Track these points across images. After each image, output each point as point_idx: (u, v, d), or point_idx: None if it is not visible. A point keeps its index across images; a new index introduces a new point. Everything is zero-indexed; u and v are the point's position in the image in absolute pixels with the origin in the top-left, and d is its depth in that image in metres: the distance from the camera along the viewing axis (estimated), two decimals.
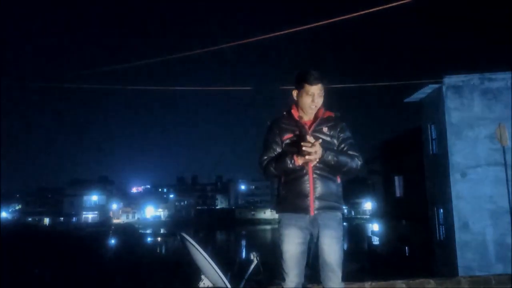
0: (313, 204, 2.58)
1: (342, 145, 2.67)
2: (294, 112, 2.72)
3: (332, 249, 2.61)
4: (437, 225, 14.82)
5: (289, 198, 2.64)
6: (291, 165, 2.55)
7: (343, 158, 2.57)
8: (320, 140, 2.49)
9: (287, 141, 2.67)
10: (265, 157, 2.69)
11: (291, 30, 7.45)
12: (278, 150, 2.69)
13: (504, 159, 10.14)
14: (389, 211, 24.08)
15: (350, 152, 2.65)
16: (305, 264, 2.68)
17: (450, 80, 13.60)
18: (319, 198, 2.59)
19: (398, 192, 22.80)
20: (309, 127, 2.66)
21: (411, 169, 19.44)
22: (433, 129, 14.88)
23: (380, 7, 6.53)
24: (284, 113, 2.78)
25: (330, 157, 2.52)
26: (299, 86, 2.67)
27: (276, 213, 2.74)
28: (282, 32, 7.47)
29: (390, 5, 6.46)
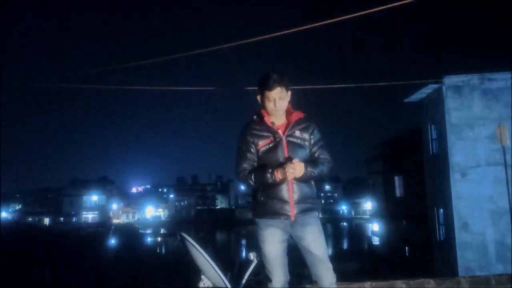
0: (293, 210, 2.60)
1: (314, 149, 2.69)
2: (265, 118, 2.67)
3: (317, 243, 2.65)
4: (437, 225, 14.81)
5: (269, 203, 2.63)
6: (271, 180, 2.55)
7: (318, 170, 2.61)
8: (300, 162, 2.51)
9: (263, 148, 2.65)
10: (242, 168, 2.67)
11: (291, 31, 7.45)
12: (254, 158, 2.67)
13: (504, 159, 10.15)
14: (389, 211, 24.08)
15: (322, 157, 2.68)
16: (287, 262, 2.69)
17: (450, 80, 13.59)
18: (298, 202, 2.62)
19: (398, 192, 22.80)
20: (283, 132, 2.64)
21: (411, 169, 19.45)
22: (433, 129, 14.87)
23: (381, 7, 6.53)
24: (255, 117, 2.73)
25: (308, 174, 2.56)
26: (260, 92, 2.65)
27: (254, 217, 2.73)
28: (281, 33, 7.47)
29: (390, 5, 6.46)
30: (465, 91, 13.46)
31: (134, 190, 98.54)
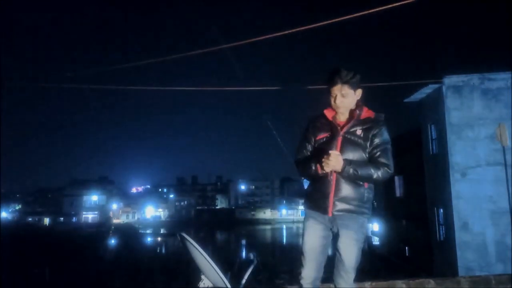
0: (332, 206, 2.58)
1: (374, 151, 2.60)
2: (328, 112, 2.71)
3: (348, 250, 2.59)
4: (437, 225, 14.82)
5: (313, 196, 2.68)
6: (313, 172, 2.57)
7: (364, 172, 2.51)
8: (339, 155, 2.47)
9: (321, 140, 2.68)
10: (299, 157, 2.75)
11: (291, 31, 7.44)
12: (310, 149, 2.73)
13: (504, 159, 10.15)
14: (389, 211, 24.09)
15: (380, 160, 2.57)
16: (325, 260, 2.67)
17: (450, 80, 13.60)
18: (340, 200, 2.57)
19: (398, 192, 22.82)
20: (342, 128, 2.64)
21: (411, 169, 19.46)
22: (433, 129, 14.88)
23: (381, 7, 6.53)
24: (321, 112, 2.78)
25: (350, 171, 2.48)
26: (327, 87, 2.69)
27: (304, 208, 2.81)
28: (281, 33, 7.47)
29: (390, 5, 6.46)
30: (465, 91, 13.47)
31: (134, 190, 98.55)
